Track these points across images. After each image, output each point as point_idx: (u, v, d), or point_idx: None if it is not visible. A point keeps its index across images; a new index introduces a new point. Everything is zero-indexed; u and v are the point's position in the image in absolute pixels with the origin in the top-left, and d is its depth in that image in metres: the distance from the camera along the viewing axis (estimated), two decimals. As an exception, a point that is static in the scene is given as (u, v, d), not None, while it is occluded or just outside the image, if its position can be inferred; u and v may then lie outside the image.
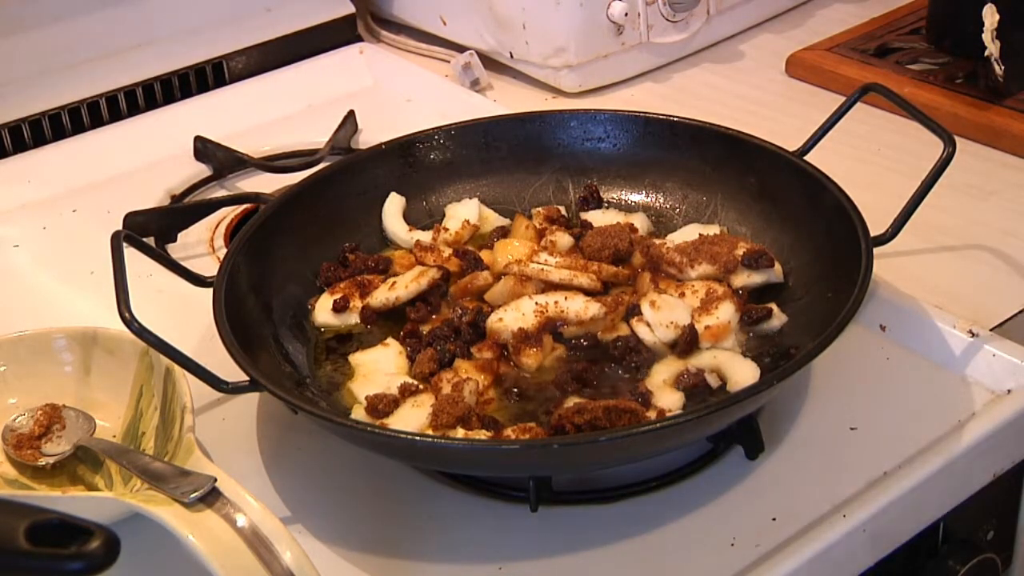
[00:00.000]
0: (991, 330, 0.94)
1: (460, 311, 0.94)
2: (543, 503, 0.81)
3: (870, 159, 1.19)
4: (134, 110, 1.36)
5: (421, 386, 0.89)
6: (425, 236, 1.05)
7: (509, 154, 1.10)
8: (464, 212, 1.07)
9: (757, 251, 0.97)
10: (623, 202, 1.09)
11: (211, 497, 0.73)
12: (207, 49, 1.40)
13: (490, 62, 1.41)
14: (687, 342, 0.90)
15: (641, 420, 0.82)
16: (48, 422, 0.89)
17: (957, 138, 0.96)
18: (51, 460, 0.88)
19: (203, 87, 1.40)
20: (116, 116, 1.35)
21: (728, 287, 0.95)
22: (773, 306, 0.93)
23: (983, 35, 1.18)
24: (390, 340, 0.94)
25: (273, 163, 1.24)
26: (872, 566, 0.84)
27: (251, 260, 0.95)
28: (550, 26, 1.33)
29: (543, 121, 1.10)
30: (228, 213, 1.19)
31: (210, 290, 0.90)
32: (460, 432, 0.84)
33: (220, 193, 1.24)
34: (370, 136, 1.29)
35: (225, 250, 1.03)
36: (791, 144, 1.01)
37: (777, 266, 0.97)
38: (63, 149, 1.30)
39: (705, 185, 1.05)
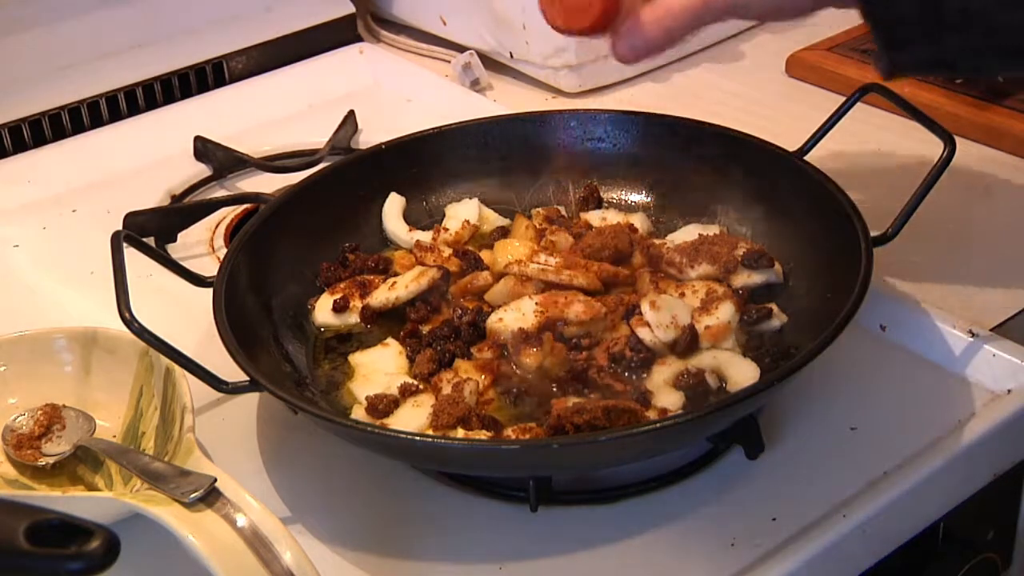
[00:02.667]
0: (991, 330, 0.94)
1: (460, 311, 0.94)
2: (543, 503, 0.81)
3: (870, 159, 1.19)
4: (134, 110, 1.36)
5: (421, 386, 0.89)
6: (425, 236, 1.05)
7: (509, 154, 1.10)
8: (464, 212, 1.07)
9: (757, 251, 0.97)
10: (623, 202, 1.09)
11: (211, 497, 0.73)
12: (207, 49, 1.40)
13: (490, 62, 1.41)
14: (687, 342, 0.90)
15: (641, 420, 0.82)
16: (48, 422, 0.89)
17: (957, 138, 0.96)
18: (51, 460, 0.88)
19: (203, 87, 1.40)
20: (116, 116, 1.35)
21: (728, 287, 0.95)
22: (773, 306, 0.93)
23: (983, 35, 1.18)
24: (390, 340, 0.94)
25: (273, 163, 1.24)
26: (872, 566, 0.84)
27: (251, 260, 0.95)
28: (550, 26, 1.33)
29: (543, 121, 1.10)
30: (228, 213, 1.19)
31: (210, 290, 0.90)
32: (460, 432, 0.84)
33: (220, 193, 1.24)
34: (370, 136, 1.29)
35: (225, 250, 1.03)
36: (791, 144, 1.01)
37: (777, 266, 0.97)
38: (63, 149, 1.30)
39: (705, 185, 1.05)
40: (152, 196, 1.21)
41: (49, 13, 1.31)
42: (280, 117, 1.35)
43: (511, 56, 1.39)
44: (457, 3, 1.43)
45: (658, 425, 0.80)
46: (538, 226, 1.04)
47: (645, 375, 0.89)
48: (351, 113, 1.30)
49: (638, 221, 1.04)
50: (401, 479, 0.86)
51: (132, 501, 0.74)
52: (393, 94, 1.39)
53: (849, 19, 1.46)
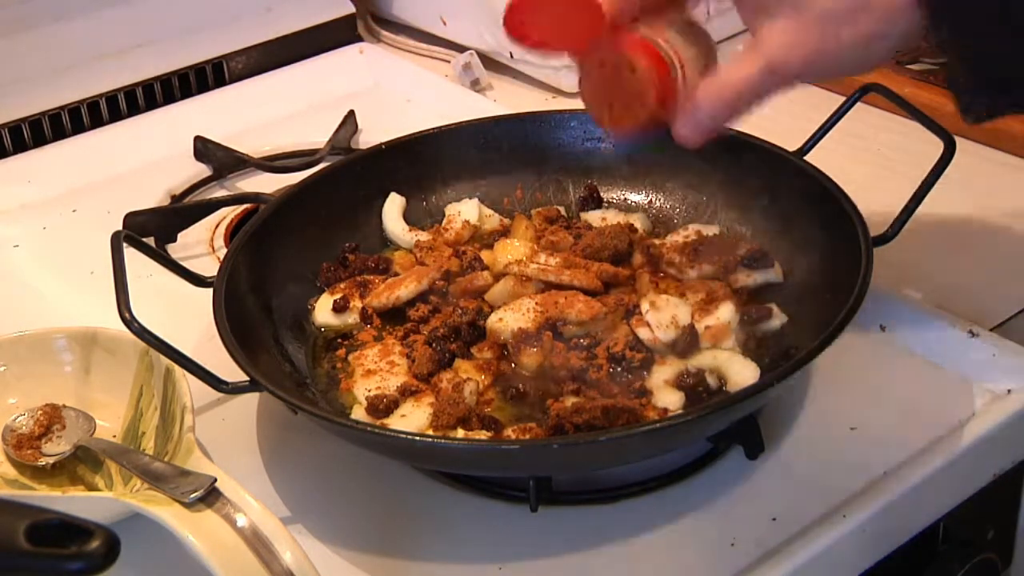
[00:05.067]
0: (991, 330, 0.94)
1: (460, 311, 0.94)
2: (543, 503, 0.81)
3: (870, 159, 1.19)
4: (134, 110, 1.36)
5: (421, 386, 0.89)
6: (425, 236, 1.05)
7: (509, 154, 1.10)
8: (464, 212, 1.07)
9: (757, 251, 0.97)
10: (623, 202, 1.09)
11: (211, 497, 0.73)
12: (207, 49, 1.40)
13: (490, 62, 1.41)
14: (687, 342, 0.90)
15: (641, 420, 0.82)
16: (48, 422, 0.89)
17: (957, 138, 0.96)
18: (51, 460, 0.88)
19: (203, 87, 1.40)
20: (116, 116, 1.35)
21: (728, 287, 0.95)
22: (773, 306, 0.93)
23: (983, 35, 1.18)
24: (390, 340, 0.94)
25: (273, 163, 1.24)
26: (872, 566, 0.84)
27: (251, 260, 0.95)
28: (550, 26, 1.33)
29: (543, 121, 1.10)
30: (228, 213, 1.19)
31: (210, 290, 0.90)
32: (460, 432, 0.84)
33: (220, 193, 1.24)
34: (370, 136, 1.29)
35: (225, 250, 1.03)
36: (791, 144, 1.01)
37: (777, 266, 0.97)
38: (63, 149, 1.30)
39: (705, 185, 1.05)
40: (152, 196, 1.21)
41: (49, 13, 1.31)
42: (280, 117, 1.35)
43: (511, 56, 1.39)
44: (457, 3, 1.43)
45: (658, 425, 0.80)
46: (538, 226, 1.04)
47: (645, 375, 0.89)
48: (351, 113, 1.30)
49: (638, 221, 1.04)
50: (401, 479, 0.86)
51: (132, 501, 0.74)
52: (393, 94, 1.39)
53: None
